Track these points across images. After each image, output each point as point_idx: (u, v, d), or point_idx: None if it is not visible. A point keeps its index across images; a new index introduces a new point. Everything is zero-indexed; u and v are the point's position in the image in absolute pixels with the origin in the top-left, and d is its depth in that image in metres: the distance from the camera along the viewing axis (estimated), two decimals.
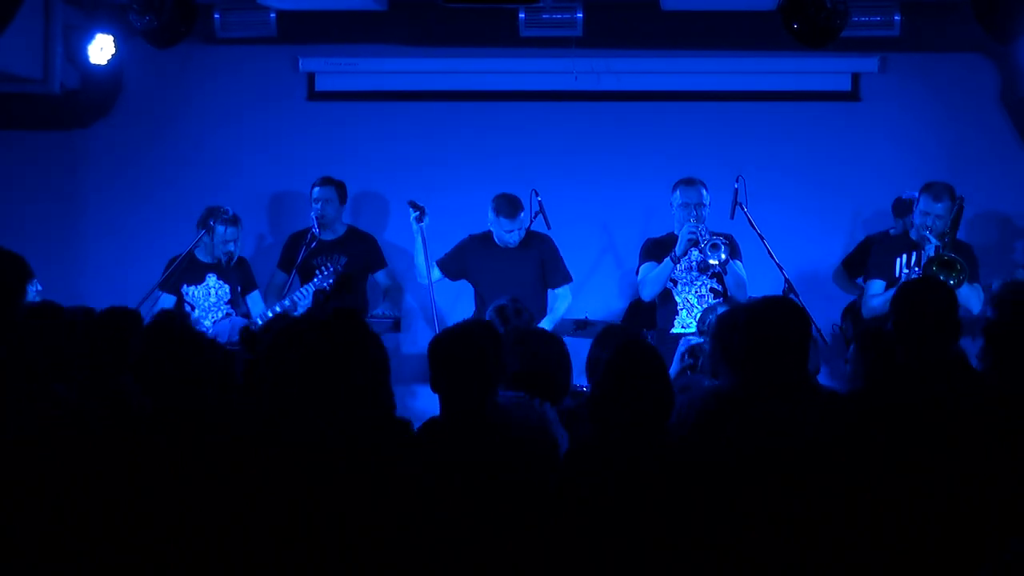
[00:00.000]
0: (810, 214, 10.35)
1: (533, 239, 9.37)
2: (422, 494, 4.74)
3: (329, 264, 9.23)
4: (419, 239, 9.27)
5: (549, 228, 9.43)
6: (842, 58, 10.27)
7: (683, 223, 8.86)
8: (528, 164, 10.35)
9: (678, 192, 8.97)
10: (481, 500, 4.75)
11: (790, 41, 9.17)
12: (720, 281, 8.85)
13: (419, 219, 9.25)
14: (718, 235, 8.82)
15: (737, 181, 9.05)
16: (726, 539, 4.67)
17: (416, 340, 10.25)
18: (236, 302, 9.57)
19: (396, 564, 4.65)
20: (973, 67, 10.40)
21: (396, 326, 9.51)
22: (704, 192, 8.92)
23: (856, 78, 10.51)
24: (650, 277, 8.93)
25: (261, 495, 4.68)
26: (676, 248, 8.77)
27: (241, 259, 9.70)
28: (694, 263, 8.88)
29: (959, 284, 8.22)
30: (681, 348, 7.45)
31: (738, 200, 9.04)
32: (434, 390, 5.16)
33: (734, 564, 4.67)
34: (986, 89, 10.42)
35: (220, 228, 9.43)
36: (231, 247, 9.50)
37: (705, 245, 8.67)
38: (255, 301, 9.68)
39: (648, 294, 9.02)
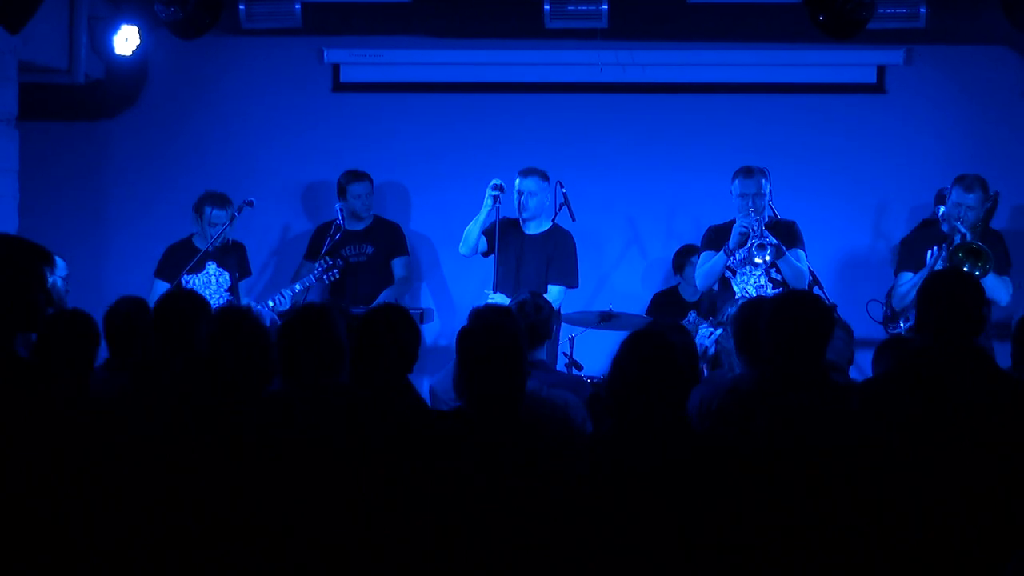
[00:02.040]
0: (835, 207, 10.31)
1: (555, 232, 9.32)
2: (453, 488, 4.74)
3: (329, 259, 9.27)
4: (484, 211, 9.16)
5: (574, 220, 9.36)
6: (868, 50, 10.23)
7: (742, 212, 8.77)
8: (553, 156, 10.17)
9: (737, 182, 8.79)
10: (513, 494, 4.75)
11: (815, 33, 9.10)
12: (779, 270, 8.69)
13: (497, 199, 9.12)
14: (780, 221, 8.81)
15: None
16: (742, 532, 4.66)
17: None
18: (235, 289, 9.53)
19: (420, 557, 4.67)
20: (999, 60, 10.35)
21: (422, 318, 9.44)
22: (764, 182, 8.73)
23: (882, 70, 10.47)
24: (704, 269, 8.88)
25: (293, 488, 4.74)
26: (729, 241, 8.69)
27: (238, 244, 9.67)
28: (749, 254, 8.70)
29: (984, 273, 8.11)
30: (703, 341, 7.59)
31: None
32: (462, 383, 5.12)
33: (751, 559, 4.65)
34: (1012, 82, 10.35)
35: (207, 209, 9.43)
36: (219, 229, 9.41)
37: (752, 245, 8.54)
38: (244, 290, 9.69)
39: (702, 285, 8.99)
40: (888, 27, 9.78)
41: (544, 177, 9.23)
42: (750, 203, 8.65)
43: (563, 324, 8.89)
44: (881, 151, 10.40)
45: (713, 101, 10.57)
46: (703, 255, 8.94)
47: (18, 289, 4.54)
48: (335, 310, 5.58)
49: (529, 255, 9.19)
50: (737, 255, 8.66)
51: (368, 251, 9.68)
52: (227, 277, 9.46)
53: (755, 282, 8.74)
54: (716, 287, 8.96)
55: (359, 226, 9.84)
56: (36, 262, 4.77)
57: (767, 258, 8.52)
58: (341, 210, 9.58)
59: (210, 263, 9.44)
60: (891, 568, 4.75)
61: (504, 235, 9.20)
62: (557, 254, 9.21)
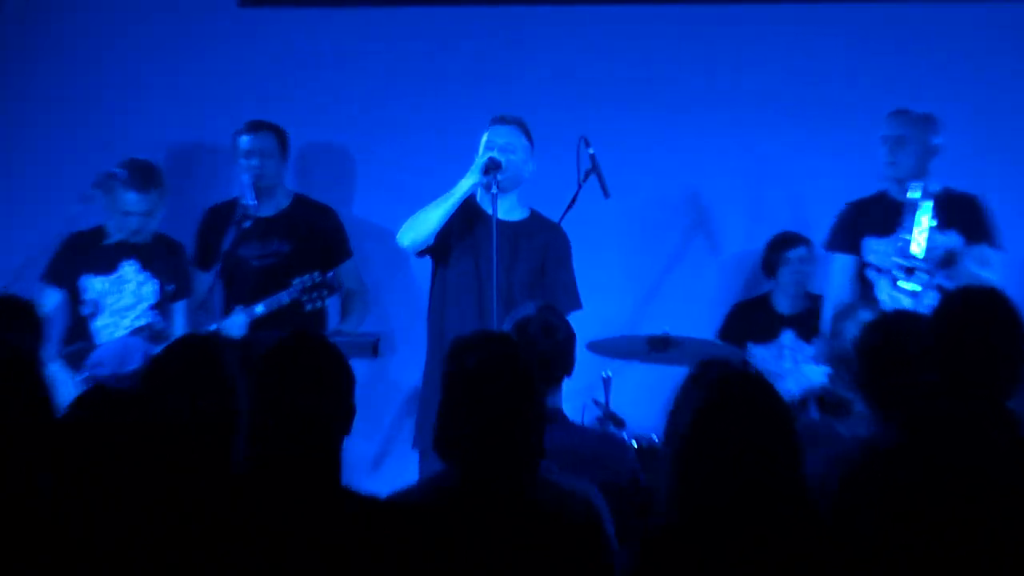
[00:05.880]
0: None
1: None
2: None
3: (317, 275, 7.52)
4: (457, 196, 7.38)
5: (607, 196, 7.48)
6: None
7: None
8: (572, 99, 8.41)
9: (884, 126, 7.67)
10: None
11: None
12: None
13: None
14: (956, 195, 7.72)
15: None
16: None
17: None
18: (164, 306, 7.77)
19: None
20: None
21: (374, 349, 7.59)
22: (922, 129, 7.53)
23: None
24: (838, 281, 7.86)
25: None
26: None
27: (177, 245, 7.96)
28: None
29: None
30: (796, 391, 7.00)
31: None
32: (440, 448, 4.26)
33: None
34: None
35: (121, 190, 7.63)
36: (134, 221, 7.56)
37: (893, 268, 7.45)
38: (180, 313, 7.84)
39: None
40: None
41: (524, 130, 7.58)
42: (892, 171, 7.35)
43: (596, 357, 7.26)
44: None
45: (817, 11, 8.55)
46: (835, 259, 7.69)
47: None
48: (220, 344, 4.64)
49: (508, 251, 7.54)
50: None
51: (282, 249, 7.87)
52: (153, 288, 7.72)
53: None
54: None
55: (272, 210, 7.91)
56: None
57: (918, 288, 7.35)
58: (254, 182, 7.67)
59: (127, 262, 7.76)
60: None
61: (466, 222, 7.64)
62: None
